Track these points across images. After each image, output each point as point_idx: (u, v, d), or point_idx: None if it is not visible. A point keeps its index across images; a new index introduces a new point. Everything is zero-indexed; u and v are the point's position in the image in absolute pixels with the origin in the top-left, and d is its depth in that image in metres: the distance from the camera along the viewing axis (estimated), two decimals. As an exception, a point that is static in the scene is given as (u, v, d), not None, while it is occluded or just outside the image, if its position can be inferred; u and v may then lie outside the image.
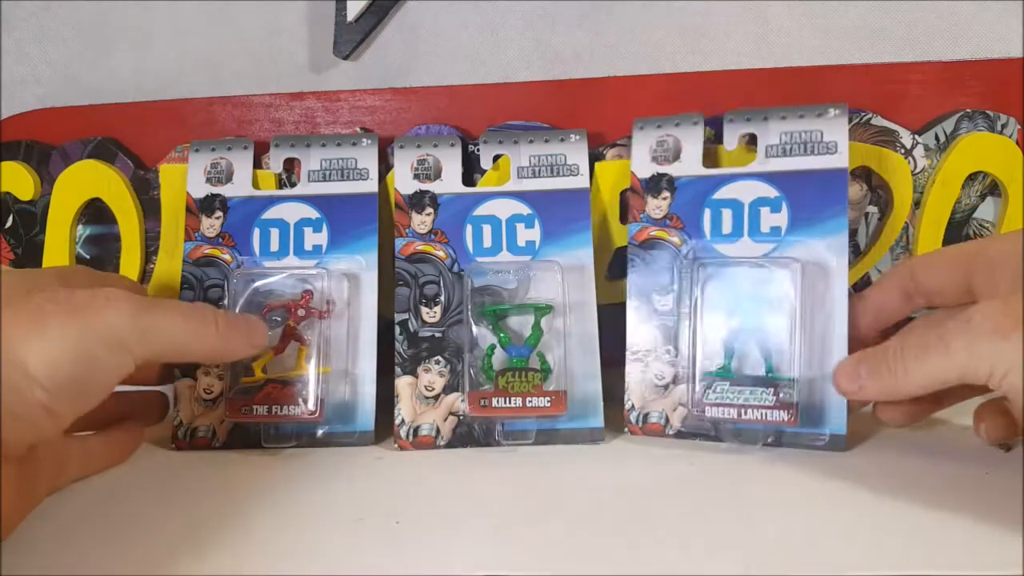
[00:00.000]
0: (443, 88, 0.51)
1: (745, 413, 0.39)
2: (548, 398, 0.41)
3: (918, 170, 0.48)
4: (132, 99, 0.53)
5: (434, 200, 0.45)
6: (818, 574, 0.27)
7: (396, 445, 0.42)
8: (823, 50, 0.51)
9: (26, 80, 0.56)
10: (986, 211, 0.49)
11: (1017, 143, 0.48)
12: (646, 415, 0.42)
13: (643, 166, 0.44)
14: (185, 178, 0.47)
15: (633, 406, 0.42)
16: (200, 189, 0.47)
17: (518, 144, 0.46)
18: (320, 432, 0.43)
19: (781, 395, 0.39)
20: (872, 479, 0.35)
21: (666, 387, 0.42)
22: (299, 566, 0.29)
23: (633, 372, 0.42)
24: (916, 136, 0.48)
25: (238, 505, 0.35)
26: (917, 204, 0.49)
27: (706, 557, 0.29)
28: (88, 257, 0.53)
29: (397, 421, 0.42)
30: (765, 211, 0.42)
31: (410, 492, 0.36)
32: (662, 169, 0.44)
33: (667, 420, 0.42)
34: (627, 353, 0.43)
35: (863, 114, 0.49)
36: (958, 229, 0.49)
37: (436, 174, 0.46)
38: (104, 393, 0.32)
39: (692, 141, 0.44)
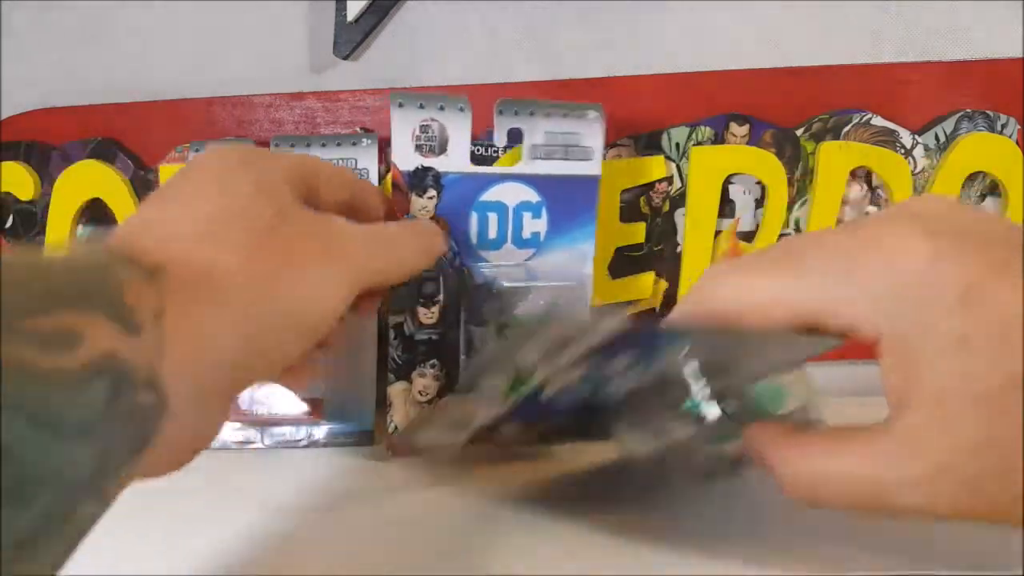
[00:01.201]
0: (443, 88, 0.51)
1: None
2: None
3: (918, 170, 0.48)
4: (132, 99, 0.53)
5: (438, 180, 0.40)
6: (818, 574, 0.27)
7: (388, 451, 0.41)
8: (823, 50, 0.51)
9: (26, 80, 0.55)
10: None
11: (1017, 143, 0.48)
12: None
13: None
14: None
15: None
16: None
17: (534, 116, 0.42)
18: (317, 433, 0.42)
19: None
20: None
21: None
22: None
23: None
24: (916, 136, 0.48)
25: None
26: (917, 204, 0.49)
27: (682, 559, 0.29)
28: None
29: (390, 428, 0.41)
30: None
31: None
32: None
33: None
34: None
35: (863, 114, 0.49)
36: (958, 229, 0.49)
37: (441, 147, 0.40)
38: (326, 335, 0.30)
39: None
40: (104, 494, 0.20)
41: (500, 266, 0.41)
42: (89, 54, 0.55)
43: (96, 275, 0.21)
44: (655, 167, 0.48)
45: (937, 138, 0.49)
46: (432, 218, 0.40)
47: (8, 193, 0.52)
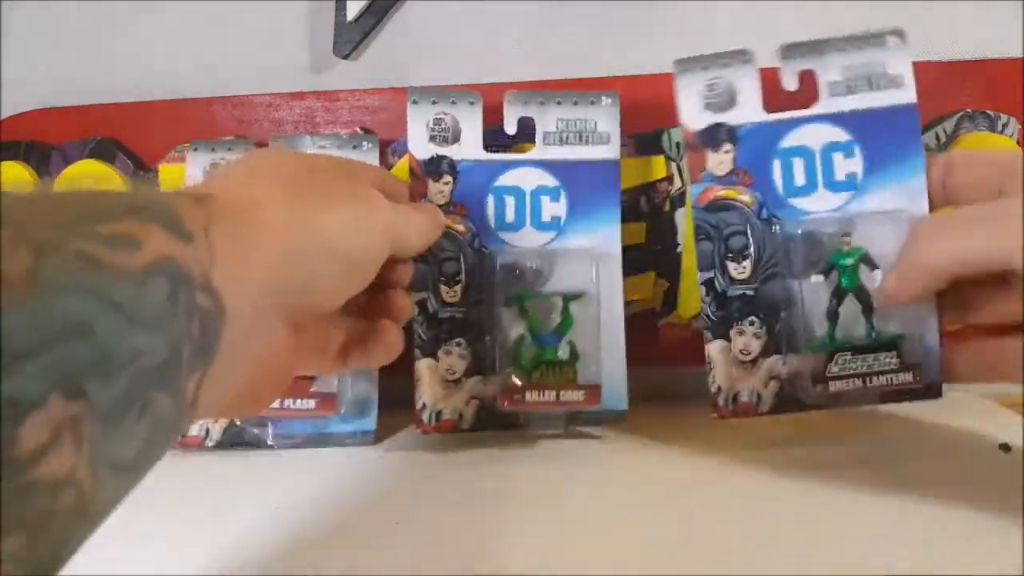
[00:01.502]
0: (443, 88, 0.51)
1: (871, 380, 0.36)
2: (582, 392, 0.39)
3: (918, 170, 0.48)
4: (132, 99, 0.53)
5: (452, 167, 0.42)
6: (818, 574, 0.27)
7: (419, 430, 0.41)
8: (823, 50, 0.51)
9: (26, 80, 0.55)
10: (986, 211, 0.49)
11: (1017, 143, 0.48)
12: (735, 395, 0.39)
13: (695, 116, 0.40)
14: (184, 178, 0.47)
15: (720, 388, 0.39)
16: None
17: (544, 105, 0.43)
18: (316, 433, 0.42)
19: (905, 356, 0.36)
20: (870, 479, 0.35)
21: (753, 362, 0.39)
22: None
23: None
24: (916, 136, 0.48)
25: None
26: (917, 204, 0.48)
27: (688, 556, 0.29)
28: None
29: (418, 405, 0.41)
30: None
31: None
32: (719, 118, 0.40)
33: (759, 398, 0.38)
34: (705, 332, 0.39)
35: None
36: (958, 229, 0.49)
37: (455, 137, 0.43)
38: (367, 282, 0.32)
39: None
40: (181, 391, 0.22)
41: (521, 248, 0.42)
42: (89, 54, 0.55)
43: (151, 196, 0.24)
44: (655, 167, 0.48)
45: (937, 138, 0.49)
46: (449, 202, 0.42)
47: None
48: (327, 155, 0.33)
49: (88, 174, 0.50)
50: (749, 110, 0.40)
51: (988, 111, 0.48)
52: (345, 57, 0.53)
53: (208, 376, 0.24)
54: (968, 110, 0.48)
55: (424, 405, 0.41)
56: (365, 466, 0.40)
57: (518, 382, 0.40)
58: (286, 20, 0.54)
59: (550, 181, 0.42)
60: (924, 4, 0.51)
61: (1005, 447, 0.38)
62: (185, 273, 0.22)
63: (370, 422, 0.43)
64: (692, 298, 0.49)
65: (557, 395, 0.39)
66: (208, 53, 0.55)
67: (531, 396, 0.39)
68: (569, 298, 0.41)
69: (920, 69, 0.49)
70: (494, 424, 0.41)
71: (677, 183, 0.49)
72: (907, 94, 0.39)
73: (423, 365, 0.42)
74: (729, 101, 0.40)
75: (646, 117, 0.50)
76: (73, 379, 0.18)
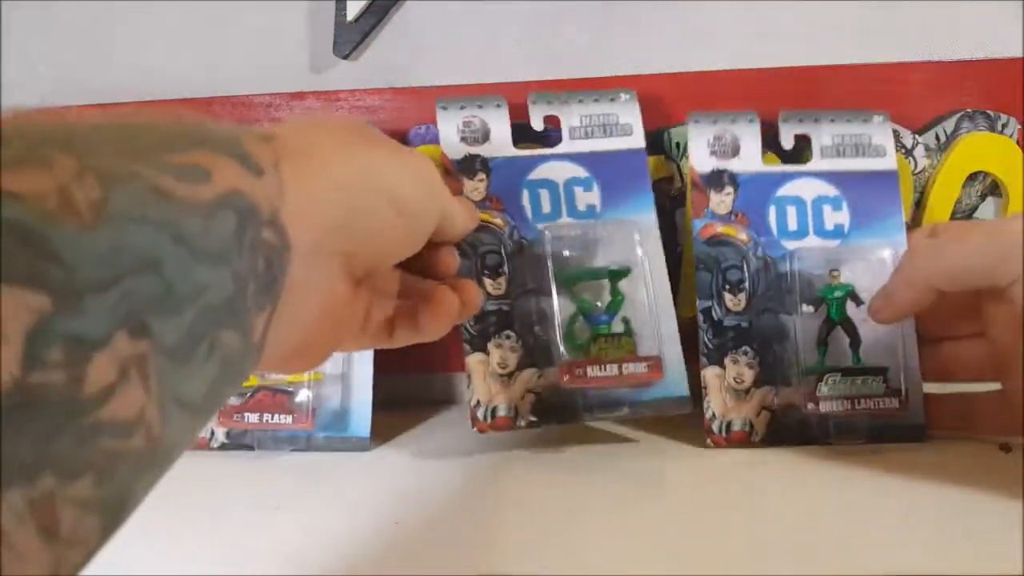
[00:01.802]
0: (443, 88, 0.51)
1: (859, 404, 0.39)
2: (644, 363, 0.39)
3: (918, 170, 0.48)
4: (132, 99, 0.53)
5: (485, 164, 0.43)
6: (818, 574, 0.27)
7: (474, 428, 0.40)
8: (823, 50, 0.51)
9: (26, 80, 0.55)
10: (986, 211, 0.49)
11: (1017, 143, 0.48)
12: (728, 424, 0.41)
13: (703, 160, 0.44)
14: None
15: (714, 414, 0.41)
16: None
17: (568, 104, 0.45)
18: (313, 438, 0.42)
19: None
20: (870, 479, 0.35)
21: (747, 391, 0.41)
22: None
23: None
24: (916, 136, 0.48)
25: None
26: (917, 204, 0.49)
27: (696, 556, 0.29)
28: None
29: (472, 403, 0.41)
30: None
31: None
32: (723, 164, 0.44)
33: (751, 427, 0.40)
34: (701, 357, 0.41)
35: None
36: (958, 229, 0.49)
37: (484, 136, 0.44)
38: (421, 242, 0.33)
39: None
40: (248, 329, 0.22)
41: (562, 237, 0.42)
42: (89, 54, 0.55)
43: (222, 130, 0.24)
44: (655, 167, 0.48)
45: (937, 138, 0.49)
46: (486, 197, 0.43)
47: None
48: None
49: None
50: (749, 161, 0.44)
51: (988, 111, 0.48)
52: (345, 57, 0.53)
53: (274, 315, 0.23)
54: (968, 110, 0.48)
55: (478, 402, 0.40)
56: (363, 468, 0.40)
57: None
58: (286, 20, 0.54)
59: (581, 172, 0.44)
60: (924, 4, 0.51)
61: (1005, 447, 0.38)
62: (254, 207, 0.22)
63: (365, 428, 0.43)
64: (692, 298, 0.49)
65: (620, 368, 0.39)
66: (208, 53, 0.54)
67: (592, 371, 0.39)
68: (616, 274, 0.41)
69: (920, 69, 0.49)
70: (553, 417, 0.40)
71: (677, 183, 0.49)
72: (889, 162, 0.44)
73: (474, 360, 0.41)
74: (733, 151, 0.44)
75: (646, 117, 0.50)
76: (139, 316, 0.17)
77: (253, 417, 0.42)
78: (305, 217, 0.25)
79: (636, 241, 0.42)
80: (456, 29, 0.53)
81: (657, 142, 0.49)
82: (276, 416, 0.42)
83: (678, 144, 0.49)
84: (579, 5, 0.52)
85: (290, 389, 0.42)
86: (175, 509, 0.35)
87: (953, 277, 0.35)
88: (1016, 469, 0.35)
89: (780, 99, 0.49)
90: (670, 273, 0.49)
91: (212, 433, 0.43)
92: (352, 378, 0.43)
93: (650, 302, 0.41)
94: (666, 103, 0.49)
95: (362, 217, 0.28)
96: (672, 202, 0.49)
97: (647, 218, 0.43)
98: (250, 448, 0.42)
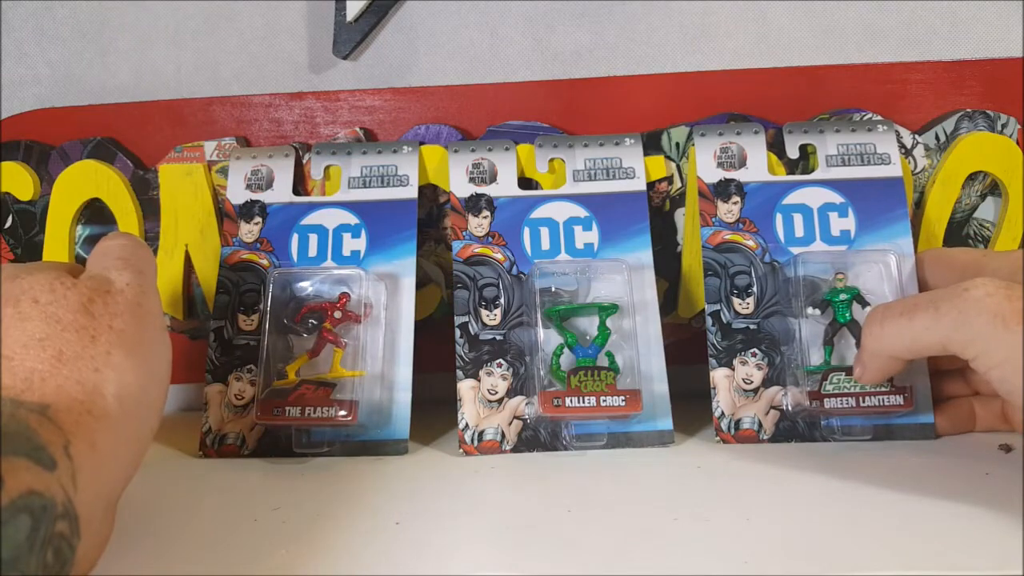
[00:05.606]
0: (443, 88, 0.51)
1: (864, 401, 0.39)
2: (622, 397, 0.40)
3: (918, 170, 0.48)
4: (132, 99, 0.53)
5: (490, 203, 0.46)
6: (818, 574, 0.27)
7: (461, 450, 0.41)
8: (823, 50, 0.51)
9: (26, 80, 0.55)
10: (986, 211, 0.49)
11: (1017, 143, 0.48)
12: (738, 422, 0.41)
13: (710, 171, 0.46)
14: (185, 178, 0.47)
15: (723, 412, 0.42)
16: (240, 196, 0.47)
17: (573, 148, 0.47)
18: (353, 439, 0.42)
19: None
20: (869, 479, 0.35)
21: (755, 391, 0.42)
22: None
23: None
24: (916, 136, 0.48)
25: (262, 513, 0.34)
26: (917, 204, 0.49)
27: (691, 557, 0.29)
28: (87, 257, 0.52)
29: (461, 426, 0.42)
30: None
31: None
32: (730, 175, 0.45)
33: (760, 425, 0.41)
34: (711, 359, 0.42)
35: (863, 114, 0.49)
36: (958, 229, 0.49)
37: (491, 177, 0.46)
38: None
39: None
40: None
41: (557, 274, 0.44)
42: (89, 54, 0.55)
43: (12, 423, 0.23)
44: (655, 167, 0.48)
45: (937, 138, 0.49)
46: (488, 233, 0.45)
47: (8, 193, 0.52)
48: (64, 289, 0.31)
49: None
50: (756, 171, 0.45)
51: (988, 111, 0.48)
52: (345, 57, 0.53)
53: None
54: (968, 110, 0.48)
55: (467, 425, 0.42)
56: (364, 471, 0.40)
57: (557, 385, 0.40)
58: (286, 20, 0.54)
59: (582, 212, 0.45)
60: (924, 4, 0.51)
61: (1005, 447, 0.38)
62: (49, 504, 0.22)
63: (404, 430, 0.42)
64: (692, 298, 0.49)
65: (598, 400, 0.40)
66: (208, 53, 0.55)
67: (571, 402, 0.40)
68: (605, 310, 0.42)
69: (920, 69, 0.49)
70: (538, 446, 0.41)
71: (677, 183, 0.49)
72: (894, 169, 0.45)
73: (465, 386, 0.42)
74: (740, 162, 0.46)
75: (646, 117, 0.50)
76: None
77: (294, 411, 0.40)
78: (98, 485, 0.25)
79: (627, 280, 0.43)
80: (456, 29, 0.53)
81: (657, 142, 0.49)
82: (319, 410, 0.40)
83: (678, 144, 0.49)
84: (579, 5, 0.52)
85: (333, 384, 0.41)
86: (176, 510, 0.35)
87: (910, 351, 0.35)
88: (1016, 469, 0.35)
89: (780, 99, 0.49)
90: (670, 274, 0.49)
91: (243, 440, 0.42)
92: (393, 379, 0.43)
93: (638, 338, 0.42)
94: (666, 103, 0.50)
95: (143, 446, 0.29)
96: (672, 202, 0.49)
97: (643, 257, 0.44)
98: (283, 454, 0.41)
